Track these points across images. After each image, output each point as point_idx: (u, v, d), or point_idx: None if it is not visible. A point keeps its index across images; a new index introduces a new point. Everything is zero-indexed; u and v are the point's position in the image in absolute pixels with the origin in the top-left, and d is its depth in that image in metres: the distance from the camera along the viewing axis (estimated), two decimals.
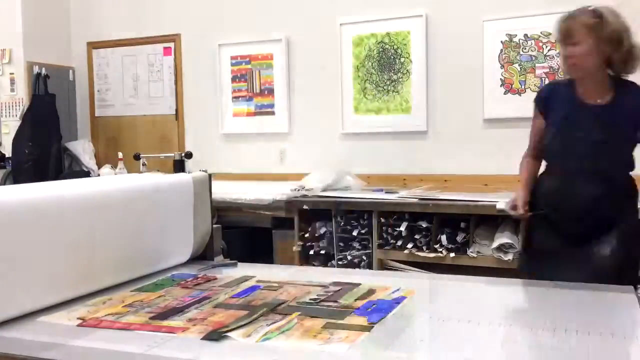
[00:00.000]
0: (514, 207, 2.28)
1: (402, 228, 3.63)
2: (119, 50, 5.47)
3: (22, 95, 5.22)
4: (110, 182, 2.17)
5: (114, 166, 4.89)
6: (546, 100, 2.36)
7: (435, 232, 3.58)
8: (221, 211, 3.76)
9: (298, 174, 4.41)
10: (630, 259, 2.22)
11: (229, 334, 1.50)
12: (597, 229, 2.18)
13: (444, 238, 3.55)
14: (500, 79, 4.17)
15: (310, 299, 1.79)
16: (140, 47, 5.38)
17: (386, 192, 3.93)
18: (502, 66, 4.16)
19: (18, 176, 4.95)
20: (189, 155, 4.29)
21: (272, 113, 4.90)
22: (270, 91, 4.92)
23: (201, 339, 1.48)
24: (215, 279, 2.08)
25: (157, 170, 4.11)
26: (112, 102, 5.55)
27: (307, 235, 3.89)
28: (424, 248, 3.59)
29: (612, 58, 2.10)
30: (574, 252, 2.17)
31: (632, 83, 2.21)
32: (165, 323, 1.60)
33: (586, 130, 2.17)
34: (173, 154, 4.31)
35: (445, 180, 4.30)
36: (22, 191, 1.80)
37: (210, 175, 2.48)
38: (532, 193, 2.35)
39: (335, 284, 1.96)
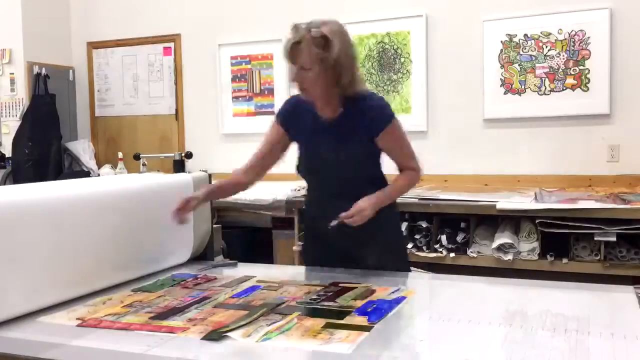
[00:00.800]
0: None
1: (402, 228, 3.63)
2: (119, 50, 5.47)
3: (22, 95, 5.22)
4: (110, 182, 2.17)
5: (114, 166, 4.89)
6: (288, 115, 2.25)
7: (435, 232, 3.58)
8: (221, 211, 3.76)
9: None
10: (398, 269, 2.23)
11: (229, 334, 1.50)
12: (361, 244, 2.15)
13: (444, 238, 3.55)
14: (500, 79, 4.18)
15: (310, 299, 1.79)
16: (140, 47, 5.38)
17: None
18: (502, 66, 4.16)
19: (18, 176, 4.95)
20: (189, 155, 4.30)
21: (272, 113, 4.89)
22: (270, 91, 4.92)
23: (201, 339, 1.48)
24: (215, 279, 2.09)
25: (157, 170, 4.12)
26: (112, 102, 5.55)
27: None
28: (424, 248, 3.58)
29: (339, 80, 2.04)
30: (347, 266, 2.16)
31: (361, 94, 2.14)
32: (165, 323, 1.60)
33: (326, 148, 2.14)
34: (173, 154, 4.32)
35: (445, 180, 4.30)
36: (22, 191, 1.80)
37: (210, 175, 2.49)
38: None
39: (335, 284, 1.96)
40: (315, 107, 2.15)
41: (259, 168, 2.31)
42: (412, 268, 2.43)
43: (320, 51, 1.99)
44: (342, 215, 2.03)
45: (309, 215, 2.39)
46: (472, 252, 3.46)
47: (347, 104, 2.11)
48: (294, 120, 2.22)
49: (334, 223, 2.03)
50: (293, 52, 2.02)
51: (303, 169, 2.24)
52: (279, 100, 4.85)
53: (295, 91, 2.18)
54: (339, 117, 2.12)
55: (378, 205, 2.09)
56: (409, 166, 2.20)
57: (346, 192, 2.11)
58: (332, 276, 2.06)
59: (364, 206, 2.04)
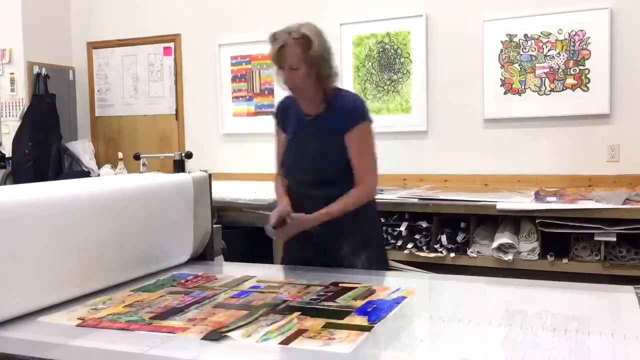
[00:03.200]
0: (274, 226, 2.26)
1: (402, 228, 3.63)
2: (119, 50, 5.47)
3: (22, 95, 5.22)
4: (110, 182, 2.17)
5: (114, 166, 4.89)
6: (281, 116, 2.46)
7: (435, 232, 3.58)
8: (221, 211, 3.76)
9: None
10: (371, 260, 2.29)
11: (229, 334, 1.50)
12: (337, 237, 2.25)
13: (444, 238, 3.55)
14: (500, 79, 4.18)
15: (310, 299, 1.79)
16: (140, 47, 5.38)
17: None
18: (502, 66, 4.16)
19: (18, 176, 4.95)
20: (189, 155, 4.29)
21: (272, 113, 4.88)
22: (270, 91, 4.92)
23: (201, 339, 1.48)
24: (216, 279, 2.09)
25: (157, 170, 4.11)
26: (112, 102, 5.55)
27: None
28: (424, 248, 3.59)
29: (320, 76, 2.22)
30: (324, 260, 2.24)
31: (342, 90, 2.34)
32: (165, 323, 1.60)
33: (306, 142, 2.30)
34: (173, 154, 4.31)
35: (445, 180, 4.30)
36: (22, 191, 1.80)
37: (210, 175, 2.48)
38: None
39: (335, 284, 1.96)
40: (300, 105, 2.33)
41: None
42: (412, 268, 2.43)
43: (305, 48, 2.18)
44: (272, 224, 2.20)
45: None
46: (472, 252, 3.46)
47: (330, 100, 2.28)
48: (285, 119, 2.43)
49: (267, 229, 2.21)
50: (280, 56, 2.20)
51: (287, 161, 2.39)
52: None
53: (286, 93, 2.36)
54: (322, 112, 2.29)
55: (311, 224, 2.21)
56: (361, 178, 2.25)
57: (325, 184, 2.25)
58: (332, 276, 2.06)
59: (296, 222, 2.19)
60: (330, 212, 2.21)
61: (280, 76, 2.26)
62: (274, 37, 2.21)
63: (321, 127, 2.27)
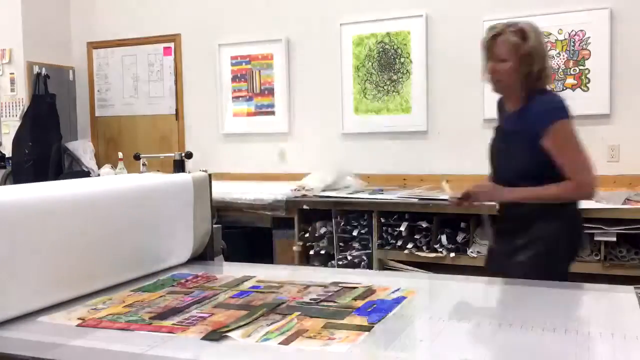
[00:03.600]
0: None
1: (402, 228, 3.63)
2: (119, 50, 5.47)
3: (22, 95, 5.22)
4: (110, 182, 2.17)
5: (114, 166, 4.89)
6: (498, 111, 2.48)
7: (435, 232, 3.58)
8: (221, 211, 3.76)
9: (298, 174, 4.41)
10: (546, 262, 2.24)
11: (229, 334, 1.50)
12: (515, 230, 2.26)
13: (444, 238, 3.55)
14: None
15: (310, 299, 1.79)
16: (140, 47, 5.38)
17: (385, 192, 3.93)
18: None
19: (18, 176, 4.95)
20: (189, 155, 4.29)
21: (272, 113, 4.90)
22: (270, 91, 4.92)
23: (201, 339, 1.48)
24: (216, 279, 2.08)
25: (157, 170, 4.11)
26: (112, 102, 5.55)
27: (307, 235, 3.90)
28: (424, 248, 3.59)
29: (529, 74, 2.19)
30: (499, 250, 2.31)
31: (548, 92, 2.30)
32: (165, 323, 1.60)
33: (498, 140, 2.35)
34: (173, 154, 4.31)
35: (446, 181, 4.29)
36: (22, 191, 1.80)
37: (210, 175, 2.48)
38: None
39: (335, 284, 1.96)
40: (505, 103, 2.33)
41: None
42: (412, 268, 2.44)
43: (518, 40, 2.14)
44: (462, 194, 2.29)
45: None
46: (472, 252, 3.46)
47: (530, 99, 2.21)
48: (499, 115, 2.44)
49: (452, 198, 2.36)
50: (491, 44, 2.18)
51: (490, 160, 2.39)
52: (279, 100, 4.87)
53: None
54: (517, 111, 2.25)
55: (506, 197, 2.24)
56: (570, 175, 2.17)
57: (505, 184, 2.24)
58: (332, 276, 2.06)
59: (487, 190, 2.27)
60: (524, 193, 2.19)
61: (486, 67, 2.25)
62: (491, 27, 2.21)
63: (510, 126, 2.25)
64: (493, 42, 2.17)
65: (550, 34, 4.03)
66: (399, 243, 3.64)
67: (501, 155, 2.29)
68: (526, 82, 2.18)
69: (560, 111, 2.18)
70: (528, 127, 2.18)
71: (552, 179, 2.18)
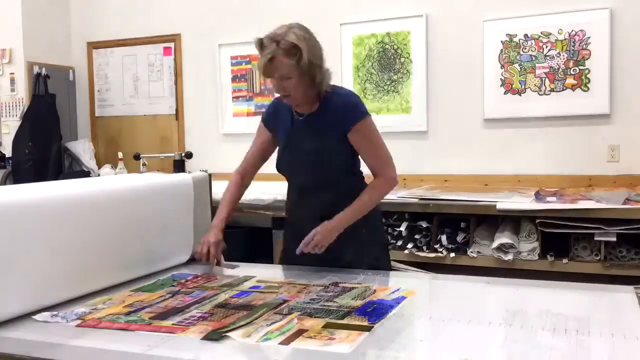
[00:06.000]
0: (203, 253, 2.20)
1: (402, 228, 3.63)
2: (119, 50, 5.47)
3: (22, 95, 5.22)
4: (110, 182, 2.17)
5: (114, 166, 4.89)
6: (273, 117, 2.37)
7: (435, 232, 3.58)
8: None
9: None
10: (371, 259, 2.26)
11: (229, 334, 1.50)
12: (338, 240, 2.18)
13: (444, 238, 3.55)
14: (500, 79, 4.17)
15: (310, 299, 1.79)
16: (140, 47, 5.38)
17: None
18: (502, 66, 4.16)
19: (18, 176, 4.95)
20: (189, 155, 4.29)
21: None
22: (270, 91, 4.91)
23: (201, 339, 1.48)
24: (216, 279, 2.09)
25: (157, 170, 4.11)
26: (112, 102, 5.55)
27: None
28: (424, 248, 3.58)
29: (315, 79, 2.16)
30: (320, 258, 2.17)
31: (336, 88, 2.29)
32: (165, 323, 1.60)
33: (301, 142, 2.24)
34: (173, 154, 4.31)
35: (445, 180, 4.30)
36: (22, 191, 1.80)
37: (210, 175, 2.49)
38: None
39: (335, 284, 1.96)
40: (293, 105, 2.26)
41: (254, 169, 2.43)
42: (412, 268, 2.44)
43: (294, 59, 2.07)
44: (301, 245, 2.12)
45: (289, 212, 2.42)
46: (472, 252, 3.46)
47: (323, 99, 2.23)
48: (276, 120, 2.34)
49: (298, 251, 2.13)
50: (269, 67, 2.10)
51: (283, 164, 2.32)
52: None
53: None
54: (316, 111, 2.23)
55: (341, 227, 2.16)
56: (379, 171, 2.26)
57: (325, 183, 2.22)
58: (332, 276, 2.06)
59: (321, 231, 2.12)
60: (356, 209, 2.17)
61: (272, 85, 2.20)
62: (261, 46, 2.10)
63: (317, 126, 2.21)
64: (270, 65, 2.09)
65: (550, 34, 4.03)
66: (399, 243, 3.64)
67: (314, 157, 2.20)
68: (315, 86, 2.17)
69: (361, 107, 2.23)
70: (336, 124, 2.19)
71: (357, 170, 2.30)
